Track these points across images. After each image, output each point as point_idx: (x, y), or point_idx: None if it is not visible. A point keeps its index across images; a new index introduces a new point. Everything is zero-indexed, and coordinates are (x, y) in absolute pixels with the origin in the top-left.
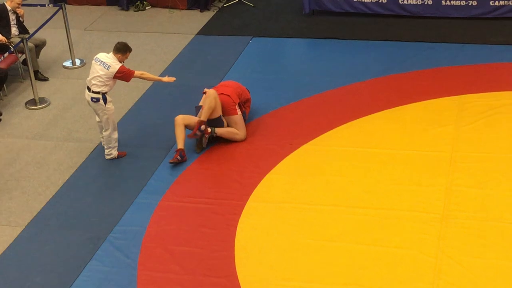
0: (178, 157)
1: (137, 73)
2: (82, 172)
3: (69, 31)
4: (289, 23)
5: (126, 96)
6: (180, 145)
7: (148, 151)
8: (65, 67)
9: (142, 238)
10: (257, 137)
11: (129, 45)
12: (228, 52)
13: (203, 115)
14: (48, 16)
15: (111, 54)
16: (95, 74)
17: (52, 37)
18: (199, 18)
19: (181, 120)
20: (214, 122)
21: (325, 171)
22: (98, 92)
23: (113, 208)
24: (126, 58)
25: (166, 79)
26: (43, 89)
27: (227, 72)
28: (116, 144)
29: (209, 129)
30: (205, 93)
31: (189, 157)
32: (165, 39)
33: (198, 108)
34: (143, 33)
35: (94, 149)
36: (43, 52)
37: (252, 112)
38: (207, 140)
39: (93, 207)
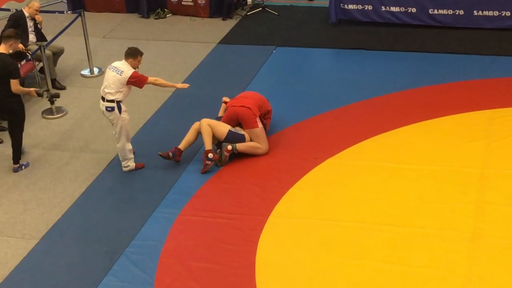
0: (170, 153)
1: (150, 79)
2: (99, 184)
3: (88, 39)
4: (314, 32)
5: (145, 106)
6: (181, 145)
7: (167, 163)
8: (83, 75)
9: (160, 253)
10: (279, 151)
11: (148, 53)
12: (250, 62)
13: (205, 144)
14: (67, 23)
15: (123, 61)
16: (108, 81)
17: (70, 44)
18: (221, 27)
19: (206, 122)
20: (233, 138)
21: (350, 186)
22: (112, 101)
23: (130, 221)
24: (139, 63)
25: (180, 85)
26: (60, 98)
27: (249, 83)
28: (132, 155)
29: (229, 146)
30: (225, 102)
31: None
32: (186, 47)
33: (218, 119)
34: (164, 42)
35: (111, 161)
36: (60, 60)
37: (275, 124)
38: (228, 158)
39: (110, 220)
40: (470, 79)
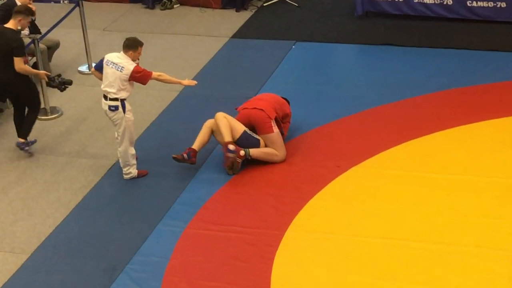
0: (185, 155)
1: (154, 74)
2: (97, 193)
3: (86, 32)
4: (338, 26)
5: (149, 107)
6: (195, 145)
7: (173, 170)
8: (80, 72)
9: (164, 271)
10: (298, 158)
11: (153, 47)
12: (267, 58)
13: (225, 135)
14: (63, 14)
15: (121, 54)
16: (109, 79)
17: (67, 38)
18: (235, 19)
19: (222, 114)
20: (247, 141)
21: (377, 197)
22: (116, 99)
23: (132, 235)
24: (139, 54)
25: (186, 82)
26: (55, 97)
27: (265, 82)
28: (135, 161)
29: (242, 152)
30: (238, 110)
31: (220, 179)
32: (195, 42)
33: None
34: (170, 35)
35: (111, 167)
36: (56, 54)
37: (294, 128)
38: (240, 165)
39: (109, 233)
40: None
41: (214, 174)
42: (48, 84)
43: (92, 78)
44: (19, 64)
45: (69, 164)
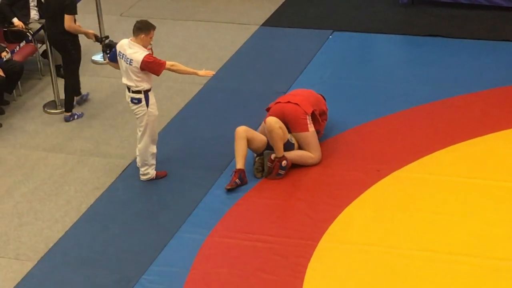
0: (237, 180)
1: (167, 64)
2: (110, 196)
3: (102, 17)
4: (380, 14)
5: (168, 102)
6: (240, 164)
7: (195, 172)
8: (94, 61)
9: (184, 283)
10: (334, 160)
11: (175, 36)
12: (301, 49)
13: (277, 150)
14: None
15: (131, 40)
16: (124, 72)
17: (81, 23)
18: (266, 5)
19: (243, 132)
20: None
21: (421, 206)
22: (139, 91)
23: (149, 242)
24: (151, 39)
25: (203, 72)
26: None
27: (298, 76)
28: (154, 161)
29: (273, 155)
30: (269, 107)
31: (248, 180)
32: (221, 30)
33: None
34: (194, 22)
35: (126, 167)
36: None
37: (330, 127)
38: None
39: (124, 240)
40: None
41: None
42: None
43: (107, 68)
44: (69, 22)
45: (80, 163)
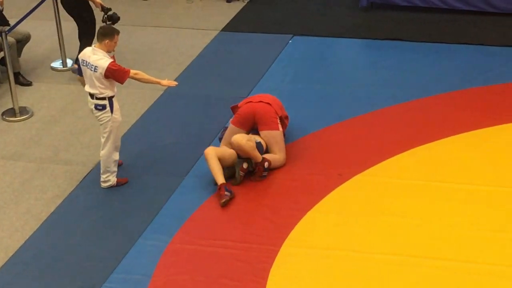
0: (227, 193)
1: (131, 72)
2: (71, 204)
3: (60, 23)
4: (340, 19)
5: (130, 108)
6: (220, 180)
7: (156, 178)
8: (53, 68)
9: None
10: (296, 165)
11: (135, 42)
12: (261, 54)
13: (255, 158)
14: (34, 4)
15: (95, 47)
16: (88, 80)
17: (39, 30)
18: (225, 11)
19: (213, 150)
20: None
21: (383, 209)
22: (103, 98)
23: (110, 250)
24: (116, 44)
25: (166, 82)
26: (24, 96)
27: (259, 80)
28: (116, 169)
29: (245, 165)
30: (238, 106)
31: (208, 188)
32: (181, 36)
33: (223, 135)
34: (153, 28)
35: (87, 175)
36: (26, 49)
37: (290, 132)
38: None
39: (85, 248)
40: None
41: (202, 183)
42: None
43: (66, 75)
44: None
45: (40, 171)
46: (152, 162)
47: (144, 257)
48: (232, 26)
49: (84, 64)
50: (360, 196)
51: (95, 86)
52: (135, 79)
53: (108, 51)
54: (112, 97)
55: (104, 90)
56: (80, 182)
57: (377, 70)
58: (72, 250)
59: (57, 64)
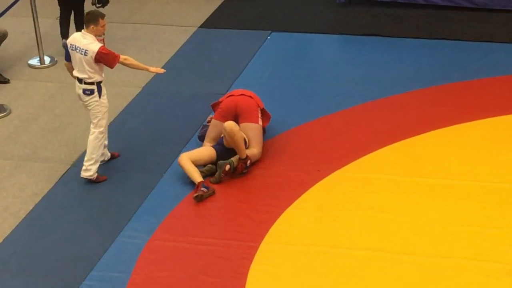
0: (203, 189)
1: (121, 57)
2: (49, 201)
3: (38, 21)
4: (318, 14)
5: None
6: (198, 178)
7: (135, 175)
8: (31, 66)
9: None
10: (274, 161)
11: (112, 39)
12: (239, 50)
13: (241, 152)
14: (11, 1)
15: (84, 32)
16: (78, 65)
17: (16, 27)
18: (203, 7)
19: (185, 156)
20: (226, 151)
21: (362, 205)
22: (92, 83)
23: (89, 248)
24: (104, 28)
25: (154, 69)
26: (2, 94)
27: (237, 77)
28: (100, 159)
29: (227, 167)
30: (208, 122)
31: (187, 185)
32: (159, 32)
33: (203, 133)
34: (131, 25)
35: (65, 172)
36: (3, 46)
37: (269, 128)
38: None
39: (63, 246)
40: (511, 73)
41: (181, 180)
42: None
43: (44, 73)
44: None
45: (18, 169)
46: (131, 159)
47: (123, 255)
48: (211, 23)
49: (73, 49)
50: (339, 192)
51: (84, 70)
52: (125, 64)
53: (97, 35)
54: (100, 82)
55: (93, 74)
56: (58, 180)
57: (356, 66)
58: (51, 248)
59: (34, 61)
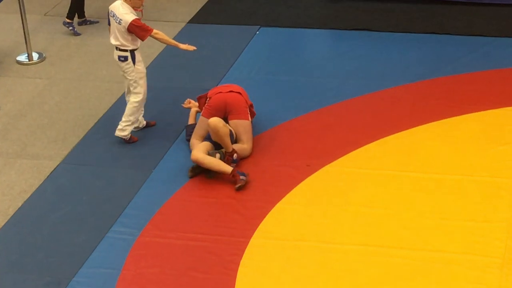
0: (242, 177)
1: (153, 31)
2: (39, 198)
3: (25, 17)
4: (307, 9)
5: (96, 101)
6: (228, 168)
7: (124, 171)
8: (19, 62)
9: (115, 284)
10: (264, 156)
11: (101, 36)
12: (228, 45)
13: (227, 146)
14: None
15: (123, 1)
16: (114, 32)
17: (3, 23)
18: (192, 2)
19: (199, 152)
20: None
21: (352, 200)
22: (125, 50)
23: (79, 244)
24: (141, 1)
25: (184, 46)
26: None
27: (226, 72)
28: (136, 122)
29: (218, 155)
30: (208, 96)
31: (177, 181)
32: None
33: (190, 128)
34: None
35: (54, 169)
36: None
37: (258, 123)
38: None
39: (53, 243)
40: (501, 67)
41: (170, 176)
42: None
43: (32, 69)
44: None
45: (7, 166)
46: (120, 155)
47: (113, 251)
48: (199, 18)
49: (112, 15)
50: (329, 187)
51: (117, 38)
52: (156, 38)
53: (134, 7)
54: (135, 49)
55: (126, 42)
56: (47, 177)
57: (345, 61)
58: (41, 245)
59: (22, 57)
